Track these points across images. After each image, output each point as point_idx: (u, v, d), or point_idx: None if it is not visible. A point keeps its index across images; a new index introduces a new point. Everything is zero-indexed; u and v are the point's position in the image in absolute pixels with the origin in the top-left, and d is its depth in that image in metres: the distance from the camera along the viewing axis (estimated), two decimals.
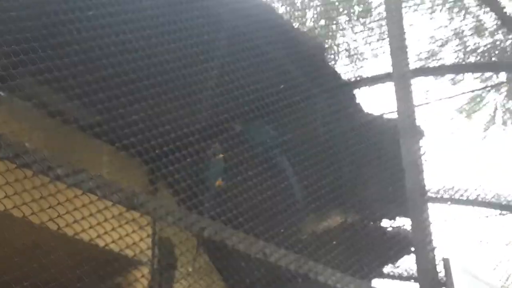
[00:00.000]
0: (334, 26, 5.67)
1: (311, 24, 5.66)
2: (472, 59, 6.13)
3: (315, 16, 5.63)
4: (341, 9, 5.87)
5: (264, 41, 4.24)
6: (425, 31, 5.74)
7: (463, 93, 6.79)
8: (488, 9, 5.63)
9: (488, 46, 6.08)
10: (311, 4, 5.80)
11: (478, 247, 4.81)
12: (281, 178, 4.27)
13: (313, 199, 4.19)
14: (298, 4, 6.00)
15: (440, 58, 5.95)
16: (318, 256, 3.82)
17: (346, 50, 5.54)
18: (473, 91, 7.18)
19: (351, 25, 5.72)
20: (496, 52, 6.18)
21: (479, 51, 6.07)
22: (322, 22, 5.58)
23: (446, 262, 3.92)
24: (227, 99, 3.88)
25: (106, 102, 3.15)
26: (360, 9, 5.92)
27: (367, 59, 5.49)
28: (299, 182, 4.64)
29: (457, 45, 5.98)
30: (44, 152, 2.51)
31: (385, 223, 5.82)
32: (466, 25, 5.88)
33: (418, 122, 4.37)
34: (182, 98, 3.59)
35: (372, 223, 5.75)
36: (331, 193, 4.27)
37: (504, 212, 5.93)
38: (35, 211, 2.76)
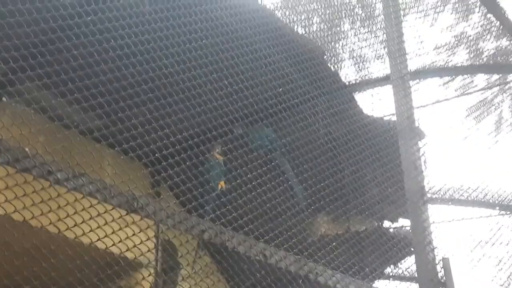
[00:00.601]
0: (334, 30, 5.69)
1: (313, 27, 5.67)
2: (477, 61, 6.14)
3: (314, 18, 5.65)
4: (342, 13, 5.88)
5: (264, 45, 4.27)
6: (427, 34, 5.75)
7: (469, 93, 6.77)
8: (491, 15, 5.65)
9: (493, 50, 6.09)
10: (312, 6, 5.82)
11: (478, 247, 4.82)
12: (281, 181, 4.29)
13: (313, 201, 4.21)
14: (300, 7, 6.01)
15: (445, 61, 5.97)
16: (325, 260, 3.82)
17: (346, 52, 5.55)
18: (482, 92, 7.16)
19: (351, 28, 5.74)
20: (502, 56, 6.19)
21: (483, 55, 6.09)
22: (323, 25, 5.60)
23: (446, 262, 3.93)
24: (226, 103, 3.91)
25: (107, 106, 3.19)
26: (361, 12, 5.94)
27: (366, 61, 5.51)
28: (300, 184, 4.67)
29: (462, 48, 5.99)
30: (46, 157, 2.55)
31: (386, 224, 5.84)
32: (472, 29, 5.90)
33: (420, 123, 4.40)
34: (182, 101, 3.63)
35: (377, 224, 5.77)
36: (331, 195, 4.29)
37: (503, 212, 5.94)
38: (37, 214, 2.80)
